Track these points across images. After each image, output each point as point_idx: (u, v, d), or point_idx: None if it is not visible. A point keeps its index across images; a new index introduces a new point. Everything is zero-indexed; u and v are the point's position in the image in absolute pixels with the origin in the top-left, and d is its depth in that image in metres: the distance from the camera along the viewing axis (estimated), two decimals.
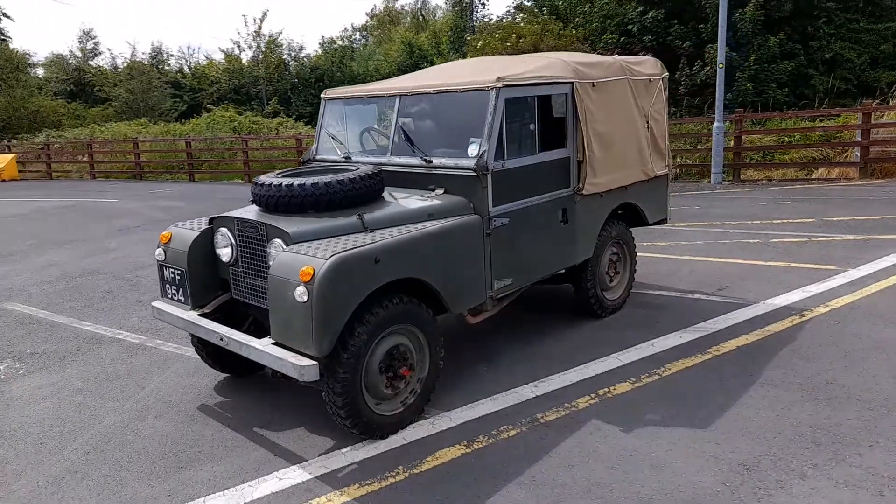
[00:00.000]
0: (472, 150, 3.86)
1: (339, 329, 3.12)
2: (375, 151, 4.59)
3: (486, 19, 28.22)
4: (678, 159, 13.13)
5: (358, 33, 55.97)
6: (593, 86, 4.57)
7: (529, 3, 23.95)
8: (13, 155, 21.89)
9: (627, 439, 3.41)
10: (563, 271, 4.76)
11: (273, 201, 3.64)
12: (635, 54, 18.72)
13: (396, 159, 4.25)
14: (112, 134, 23.59)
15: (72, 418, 3.99)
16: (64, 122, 28.61)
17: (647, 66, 5.29)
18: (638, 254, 5.63)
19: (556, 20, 20.31)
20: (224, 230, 3.81)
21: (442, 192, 3.96)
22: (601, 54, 19.18)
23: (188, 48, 76.69)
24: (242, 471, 3.31)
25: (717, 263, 6.59)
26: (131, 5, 73.42)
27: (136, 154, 20.10)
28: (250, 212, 3.79)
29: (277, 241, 3.46)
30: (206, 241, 3.89)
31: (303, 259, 3.15)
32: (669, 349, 4.54)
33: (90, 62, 37.02)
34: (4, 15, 36.07)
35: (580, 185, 4.51)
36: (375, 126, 4.76)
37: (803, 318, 4.96)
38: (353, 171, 3.79)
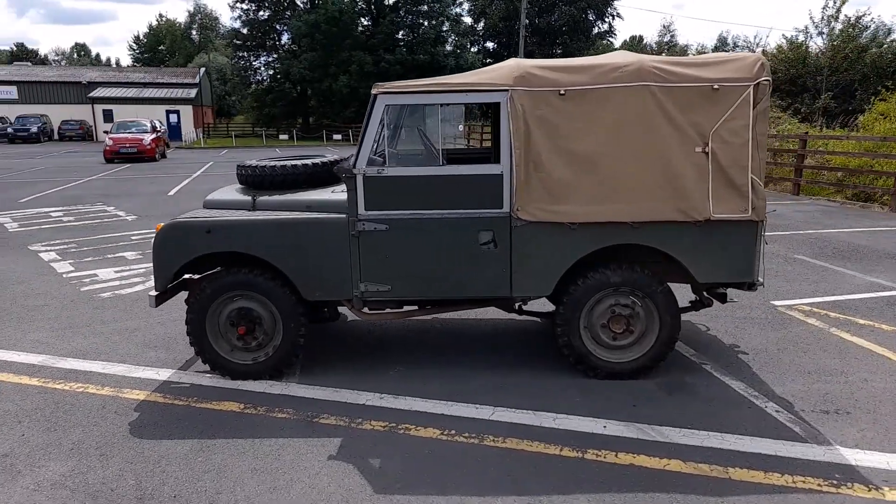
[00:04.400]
0: None
1: (169, 275, 4.08)
2: None
3: None
4: None
5: None
6: (561, 94, 3.79)
7: None
8: None
9: (315, 463, 3.28)
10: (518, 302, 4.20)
11: (241, 179, 4.67)
12: None
13: None
14: None
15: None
16: None
17: (723, 68, 3.79)
18: (847, 338, 4.36)
19: None
20: None
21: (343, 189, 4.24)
22: None
23: (755, 37, 75.25)
24: (159, 361, 4.64)
25: None
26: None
27: None
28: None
29: None
30: None
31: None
32: (562, 430, 3.59)
33: (668, 50, 41.42)
34: (617, 15, 43.67)
35: (516, 208, 3.90)
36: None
37: (841, 491, 3.02)
38: (295, 161, 4.46)
